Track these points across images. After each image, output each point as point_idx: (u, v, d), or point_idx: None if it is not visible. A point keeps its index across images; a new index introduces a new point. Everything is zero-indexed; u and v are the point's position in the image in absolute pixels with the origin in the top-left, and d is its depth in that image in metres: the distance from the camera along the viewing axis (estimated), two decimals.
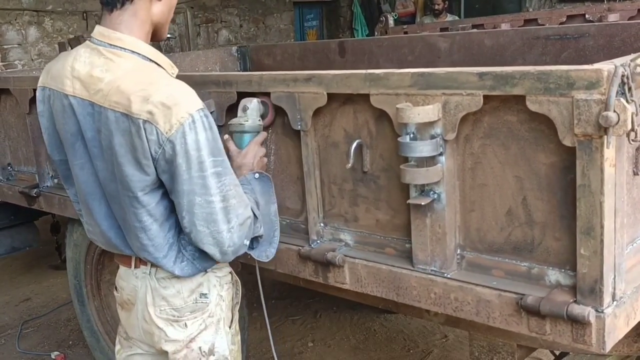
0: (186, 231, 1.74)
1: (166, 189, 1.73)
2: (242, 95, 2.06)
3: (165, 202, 1.75)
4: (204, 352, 1.89)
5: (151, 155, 1.65)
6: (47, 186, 3.03)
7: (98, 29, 1.76)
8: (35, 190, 3.03)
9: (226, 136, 2.02)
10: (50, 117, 1.84)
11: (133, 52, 1.72)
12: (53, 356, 3.78)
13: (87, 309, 3.31)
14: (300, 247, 2.00)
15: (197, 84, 2.14)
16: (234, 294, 2.02)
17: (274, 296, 4.27)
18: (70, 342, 3.98)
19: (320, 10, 12.04)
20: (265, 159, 2.05)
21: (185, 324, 1.87)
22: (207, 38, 9.92)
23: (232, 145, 2.01)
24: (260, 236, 1.91)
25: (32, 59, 7.98)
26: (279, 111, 1.98)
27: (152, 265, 1.86)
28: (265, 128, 2.05)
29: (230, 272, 1.99)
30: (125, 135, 1.65)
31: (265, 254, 1.95)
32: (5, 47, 7.82)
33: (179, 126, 1.61)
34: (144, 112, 1.61)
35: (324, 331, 3.88)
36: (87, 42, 1.78)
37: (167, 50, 8.95)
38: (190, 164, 1.64)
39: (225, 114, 2.12)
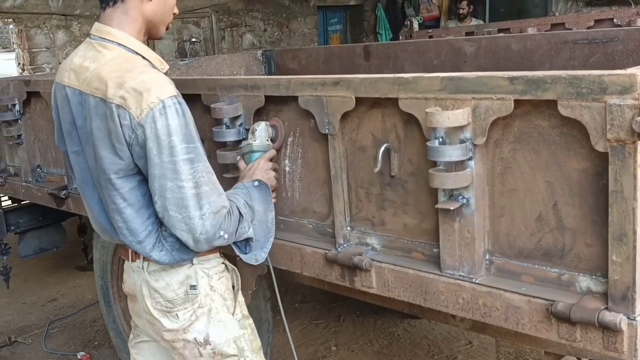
0: (160, 216, 1.79)
1: (144, 177, 1.79)
2: (270, 99, 2.07)
3: (143, 189, 1.81)
4: (200, 342, 1.95)
5: (125, 140, 1.73)
6: (75, 188, 3.06)
7: (95, 25, 1.89)
8: (64, 192, 3.06)
9: (238, 157, 2.09)
10: (56, 110, 1.96)
11: (119, 44, 1.84)
12: (79, 356, 3.82)
13: (113, 310, 3.35)
14: (327, 251, 2.00)
15: (225, 87, 2.17)
16: (234, 281, 2.06)
17: (297, 300, 4.28)
18: (96, 343, 4.02)
19: (344, 14, 12.05)
20: (274, 173, 2.09)
21: (177, 314, 1.93)
22: (232, 42, 9.98)
23: (242, 164, 2.07)
24: (251, 239, 1.95)
25: (59, 63, 8.08)
26: (307, 115, 1.99)
27: (144, 258, 1.92)
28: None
29: (223, 263, 2.03)
30: (102, 120, 1.74)
31: (254, 257, 1.98)
32: (34, 50, 7.94)
33: (149, 111, 1.69)
34: (117, 97, 1.71)
35: (347, 335, 3.87)
36: (87, 39, 1.91)
37: (192, 54, 9.04)
38: (161, 148, 1.70)
39: (253, 118, 2.14)
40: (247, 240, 1.95)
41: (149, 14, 1.87)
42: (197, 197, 1.75)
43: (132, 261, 1.97)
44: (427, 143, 1.64)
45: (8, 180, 3.56)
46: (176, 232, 1.79)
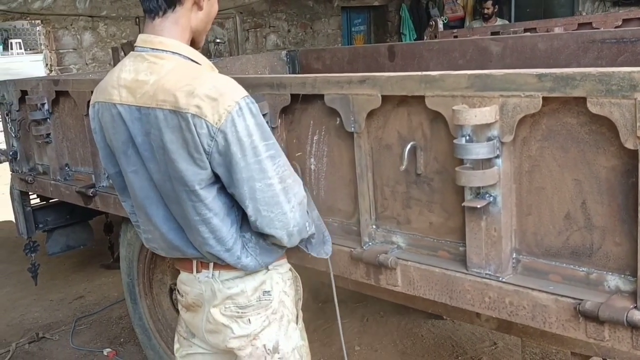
0: (251, 219, 1.76)
1: (222, 185, 1.76)
2: (295, 97, 2.08)
3: (222, 197, 1.78)
4: (269, 349, 1.91)
5: (204, 149, 1.68)
6: (103, 186, 3.11)
7: (141, 36, 1.83)
8: (92, 190, 3.10)
9: None
10: (101, 131, 1.89)
11: (174, 53, 1.78)
12: (105, 353, 3.86)
13: (139, 307, 3.38)
14: (352, 249, 2.00)
15: (251, 86, 2.18)
16: (295, 290, 2.04)
17: (320, 299, 4.27)
18: (122, 340, 4.07)
19: (368, 15, 12.05)
20: None
21: (249, 319, 1.89)
22: (256, 43, 10.04)
23: None
24: (312, 236, 1.93)
25: (86, 64, 8.21)
26: (332, 113, 1.99)
27: (215, 267, 1.88)
28: None
29: (290, 269, 2.01)
30: (175, 132, 1.69)
31: (323, 251, 1.98)
32: (61, 51, 8.07)
33: (227, 115, 1.65)
34: (192, 106, 1.65)
35: (370, 335, 3.87)
36: (131, 52, 1.85)
37: (216, 55, 9.10)
38: (245, 150, 1.67)
39: (279, 116, 2.15)
40: (309, 239, 1.93)
41: (196, 23, 1.84)
42: (284, 191, 1.74)
43: (197, 272, 1.93)
44: (454, 141, 1.64)
45: (37, 178, 3.62)
46: (271, 231, 1.76)
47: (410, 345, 3.72)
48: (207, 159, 1.69)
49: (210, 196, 1.76)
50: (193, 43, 1.87)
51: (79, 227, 4.26)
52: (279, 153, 1.75)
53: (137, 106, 1.75)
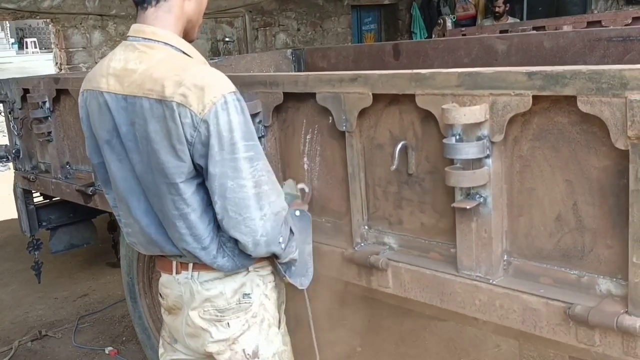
0: (218, 217, 1.72)
1: (202, 181, 1.73)
2: (288, 95, 2.05)
3: (202, 193, 1.74)
4: (248, 354, 1.87)
5: (187, 139, 1.65)
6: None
7: (134, 26, 1.81)
8: (92, 188, 3.10)
9: None
10: (87, 119, 1.87)
11: (166, 43, 1.76)
12: (107, 351, 3.86)
13: (139, 306, 3.37)
14: (344, 250, 1.98)
15: (245, 84, 2.16)
16: (277, 293, 1.98)
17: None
18: (124, 338, 4.06)
19: (379, 13, 12.00)
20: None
21: (228, 323, 1.85)
22: (265, 42, 10.02)
23: None
24: (294, 262, 1.88)
25: (95, 62, 8.23)
26: (325, 112, 1.96)
27: (194, 268, 1.85)
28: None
29: (272, 272, 1.96)
30: (160, 122, 1.66)
31: (299, 281, 1.92)
32: (70, 50, 8.10)
33: (212, 106, 1.62)
34: (178, 94, 1.63)
35: (372, 337, 3.83)
36: (123, 42, 1.83)
37: (225, 54, 9.10)
38: (223, 144, 1.64)
39: (272, 115, 2.12)
40: (289, 264, 1.88)
41: (189, 12, 1.82)
42: (257, 197, 1.68)
43: (176, 273, 1.88)
44: (444, 140, 1.60)
45: (39, 176, 3.62)
46: (236, 234, 1.71)
47: (412, 347, 3.68)
48: (190, 150, 1.66)
49: (189, 191, 1.72)
50: (186, 35, 1.85)
51: (82, 225, 4.27)
52: (259, 157, 1.70)
53: (123, 95, 1.73)
